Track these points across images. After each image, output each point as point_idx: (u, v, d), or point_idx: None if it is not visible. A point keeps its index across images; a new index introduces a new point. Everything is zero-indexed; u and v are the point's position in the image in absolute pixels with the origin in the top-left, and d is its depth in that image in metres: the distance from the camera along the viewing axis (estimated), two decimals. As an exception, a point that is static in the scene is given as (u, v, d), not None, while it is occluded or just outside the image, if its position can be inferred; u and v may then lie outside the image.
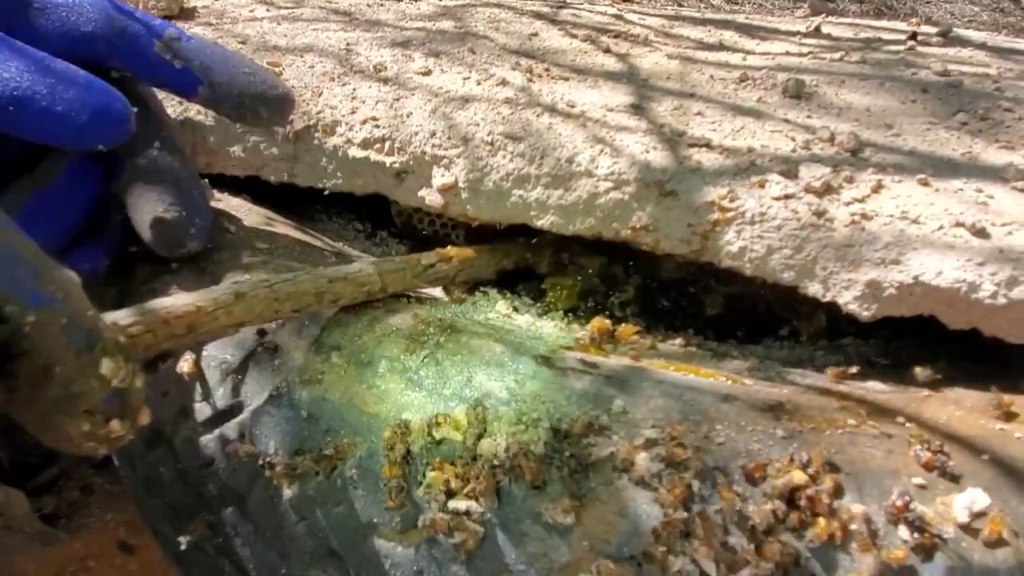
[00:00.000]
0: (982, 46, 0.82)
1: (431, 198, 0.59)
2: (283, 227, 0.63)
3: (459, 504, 0.40)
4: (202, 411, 0.49)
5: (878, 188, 0.50)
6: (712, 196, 0.51)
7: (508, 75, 0.65)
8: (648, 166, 0.53)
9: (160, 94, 0.57)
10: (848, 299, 0.48)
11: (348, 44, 0.72)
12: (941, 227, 0.47)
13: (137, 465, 0.55)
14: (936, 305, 0.46)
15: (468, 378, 0.44)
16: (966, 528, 0.36)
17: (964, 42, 0.84)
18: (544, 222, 0.56)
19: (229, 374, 0.48)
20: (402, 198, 0.61)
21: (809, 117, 0.60)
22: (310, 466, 0.44)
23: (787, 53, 0.77)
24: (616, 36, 0.81)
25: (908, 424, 0.41)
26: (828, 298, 0.48)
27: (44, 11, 0.47)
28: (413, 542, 0.41)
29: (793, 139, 0.55)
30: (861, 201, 0.49)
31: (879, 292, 0.47)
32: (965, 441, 0.40)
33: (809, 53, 0.77)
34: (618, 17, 0.91)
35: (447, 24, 0.81)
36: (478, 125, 0.57)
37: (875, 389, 0.48)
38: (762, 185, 0.51)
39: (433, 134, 0.58)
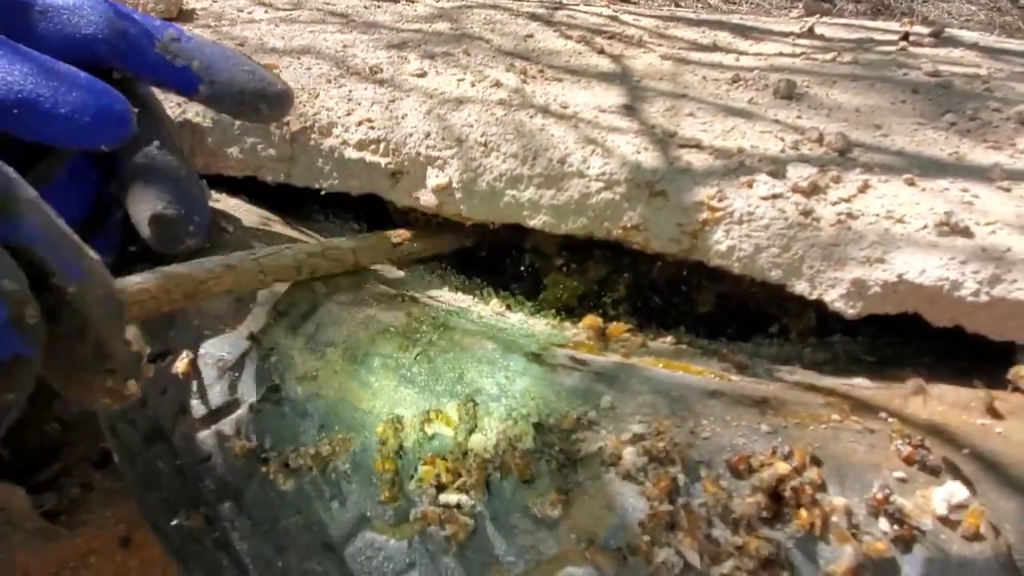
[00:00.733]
0: (973, 46, 0.83)
1: (425, 198, 0.59)
2: (280, 227, 0.63)
3: (450, 497, 0.41)
4: (199, 408, 0.50)
5: (864, 188, 0.51)
6: (701, 196, 0.52)
7: (502, 77, 0.66)
8: (639, 166, 0.54)
9: (159, 94, 0.58)
10: (834, 297, 0.48)
11: (345, 46, 0.73)
12: (925, 226, 0.48)
13: (137, 461, 0.56)
14: (920, 303, 0.47)
15: (460, 375, 0.45)
16: (945, 520, 0.37)
17: (956, 42, 0.85)
18: (537, 222, 0.57)
19: (226, 371, 0.49)
20: (397, 198, 0.62)
21: (799, 118, 0.60)
22: (305, 461, 0.45)
23: (780, 54, 0.78)
24: (610, 37, 0.82)
25: (891, 419, 0.42)
26: (814, 296, 0.49)
27: (45, 14, 0.48)
28: (406, 535, 0.42)
29: (782, 139, 0.56)
30: (847, 201, 0.50)
31: (864, 290, 0.47)
32: (946, 436, 0.41)
33: (802, 54, 0.78)
34: (613, 18, 0.91)
35: (443, 26, 0.82)
36: (472, 126, 0.58)
37: (861, 386, 0.48)
38: (750, 185, 0.51)
39: (427, 135, 0.59)
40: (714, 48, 0.80)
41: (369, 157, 0.60)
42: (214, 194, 0.63)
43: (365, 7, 0.91)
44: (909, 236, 0.47)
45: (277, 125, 0.62)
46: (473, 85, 0.64)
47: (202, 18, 0.81)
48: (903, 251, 0.47)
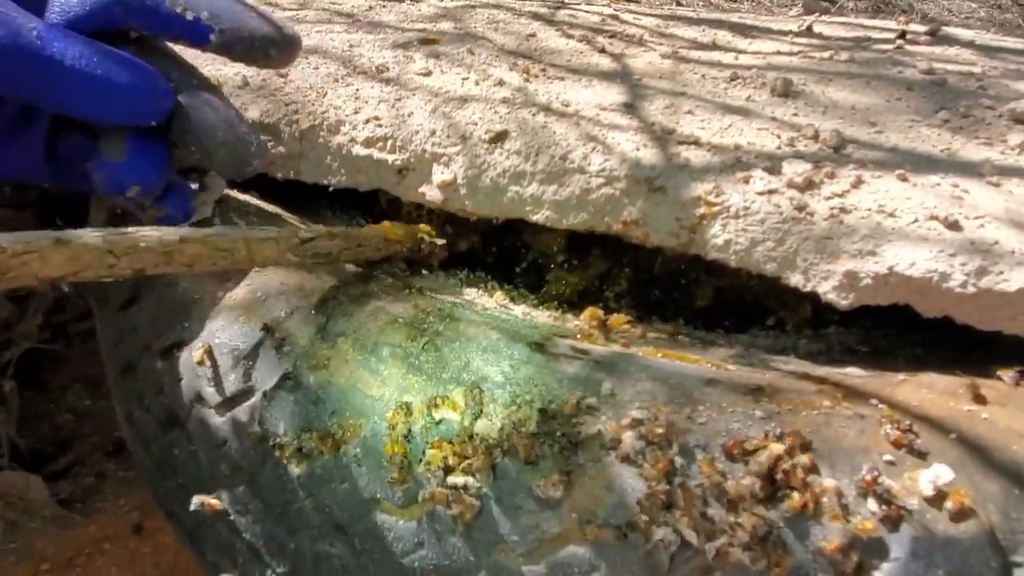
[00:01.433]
0: (969, 44, 0.84)
1: (431, 194, 0.61)
2: (294, 222, 0.65)
3: (457, 479, 0.42)
4: (214, 396, 0.51)
5: (858, 183, 0.52)
6: (699, 191, 0.53)
7: (505, 75, 0.68)
8: (638, 163, 0.55)
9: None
10: (827, 289, 0.50)
11: (351, 45, 0.74)
12: (916, 220, 0.49)
13: (152, 448, 0.57)
14: (910, 294, 0.48)
15: (466, 363, 0.46)
16: (931, 501, 0.39)
17: (952, 40, 0.86)
18: (539, 217, 0.58)
19: (240, 360, 0.51)
20: (403, 194, 0.63)
21: (795, 115, 0.62)
22: (317, 446, 0.47)
23: (778, 52, 0.79)
24: (612, 36, 0.83)
25: (880, 406, 0.44)
26: (808, 288, 0.51)
27: None
28: (414, 516, 0.44)
29: (778, 136, 0.58)
30: (841, 196, 0.52)
31: (856, 282, 0.49)
32: (934, 421, 0.42)
33: (799, 52, 0.79)
34: (614, 17, 0.93)
35: (447, 25, 0.83)
36: (476, 124, 0.60)
37: (853, 374, 0.50)
38: (747, 181, 0.53)
39: (433, 133, 0.60)
40: (713, 47, 0.82)
41: (376, 154, 0.62)
42: (224, 190, 0.65)
43: (370, 7, 0.92)
44: (900, 230, 0.49)
45: (287, 123, 0.64)
46: (477, 84, 0.66)
47: (212, 18, 0.83)
48: (894, 244, 0.48)
